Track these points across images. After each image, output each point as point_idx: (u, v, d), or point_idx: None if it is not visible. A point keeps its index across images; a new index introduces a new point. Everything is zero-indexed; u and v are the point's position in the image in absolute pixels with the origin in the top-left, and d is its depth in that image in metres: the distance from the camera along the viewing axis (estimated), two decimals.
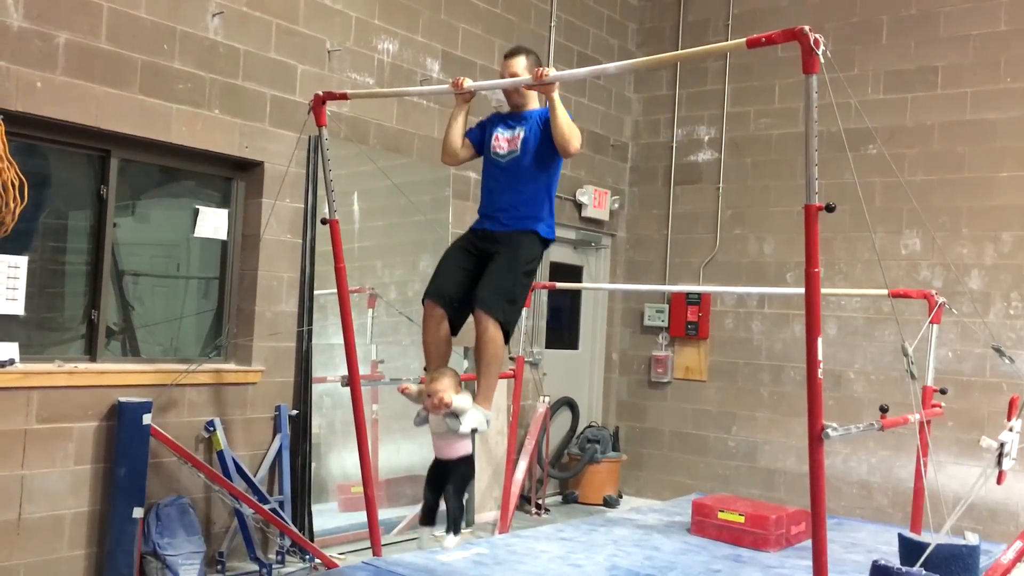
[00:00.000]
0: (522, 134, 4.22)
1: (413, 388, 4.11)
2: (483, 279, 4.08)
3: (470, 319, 4.15)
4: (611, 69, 4.64)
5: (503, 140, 4.26)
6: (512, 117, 4.32)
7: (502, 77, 4.33)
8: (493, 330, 3.95)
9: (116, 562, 5.01)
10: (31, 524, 4.84)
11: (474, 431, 3.96)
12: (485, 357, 4.01)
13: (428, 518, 4.07)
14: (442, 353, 4.17)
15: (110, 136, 5.21)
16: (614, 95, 9.17)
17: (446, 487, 3.98)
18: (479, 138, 4.40)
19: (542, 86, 4.20)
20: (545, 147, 4.20)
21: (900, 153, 7.68)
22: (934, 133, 7.68)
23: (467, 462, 4.04)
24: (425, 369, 4.23)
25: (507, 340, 4.04)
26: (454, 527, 3.96)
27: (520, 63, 4.25)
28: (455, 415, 3.87)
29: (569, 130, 4.10)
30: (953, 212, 7.54)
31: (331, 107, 5.55)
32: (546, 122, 4.21)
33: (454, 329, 4.22)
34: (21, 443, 4.80)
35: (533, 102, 4.34)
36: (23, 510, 4.81)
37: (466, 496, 4.14)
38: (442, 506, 4.09)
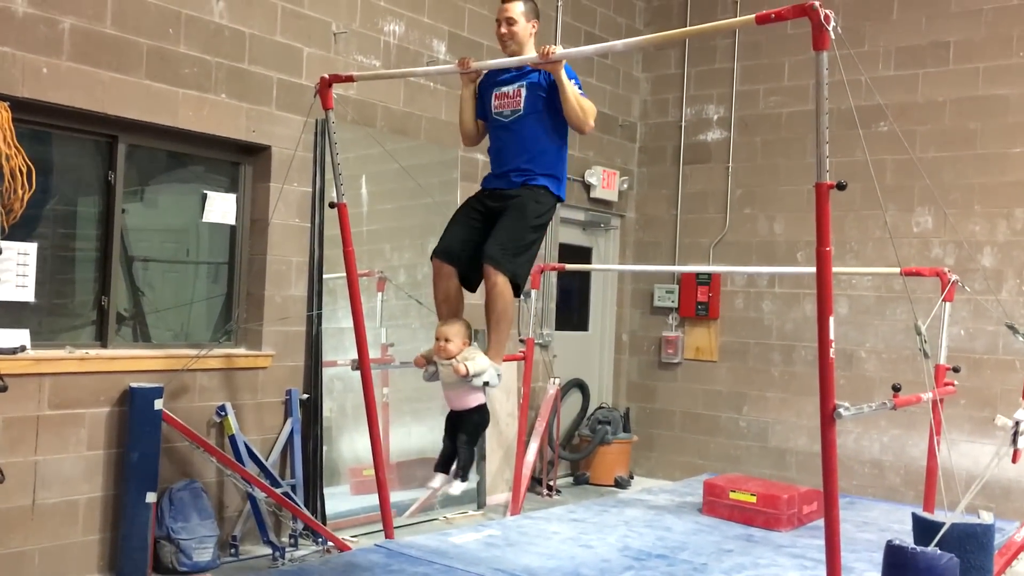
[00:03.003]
0: (523, 91, 4.14)
1: (427, 351, 4.09)
2: (492, 234, 4.05)
3: None
4: (619, 47, 4.60)
5: (504, 98, 4.18)
6: (508, 73, 4.22)
7: (498, 22, 4.22)
8: (502, 284, 3.93)
9: (130, 546, 5.04)
10: (45, 509, 4.87)
11: (486, 384, 3.94)
12: (495, 312, 3.98)
13: (443, 465, 4.11)
14: (453, 309, 4.15)
15: (117, 121, 5.20)
16: (622, 75, 9.11)
17: (460, 436, 4.02)
18: (482, 108, 4.36)
19: (548, 64, 4.17)
20: (552, 108, 4.13)
21: (911, 130, 7.61)
22: (946, 109, 7.60)
23: (480, 411, 4.06)
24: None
25: (517, 294, 4.01)
26: (463, 473, 4.00)
27: (517, 7, 4.15)
28: (459, 375, 3.88)
29: (582, 108, 4.07)
30: (965, 189, 7.48)
31: (338, 90, 5.52)
32: (552, 85, 4.14)
33: (469, 285, 4.19)
34: (34, 429, 4.82)
35: (528, 48, 4.22)
36: (37, 495, 4.84)
37: (476, 458, 4.15)
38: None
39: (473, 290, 4.23)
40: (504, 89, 4.21)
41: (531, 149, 4.13)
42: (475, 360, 3.91)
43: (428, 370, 4.08)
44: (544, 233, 4.27)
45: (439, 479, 4.09)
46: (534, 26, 4.20)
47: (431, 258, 4.22)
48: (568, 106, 4.06)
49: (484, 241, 4.07)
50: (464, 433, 4.01)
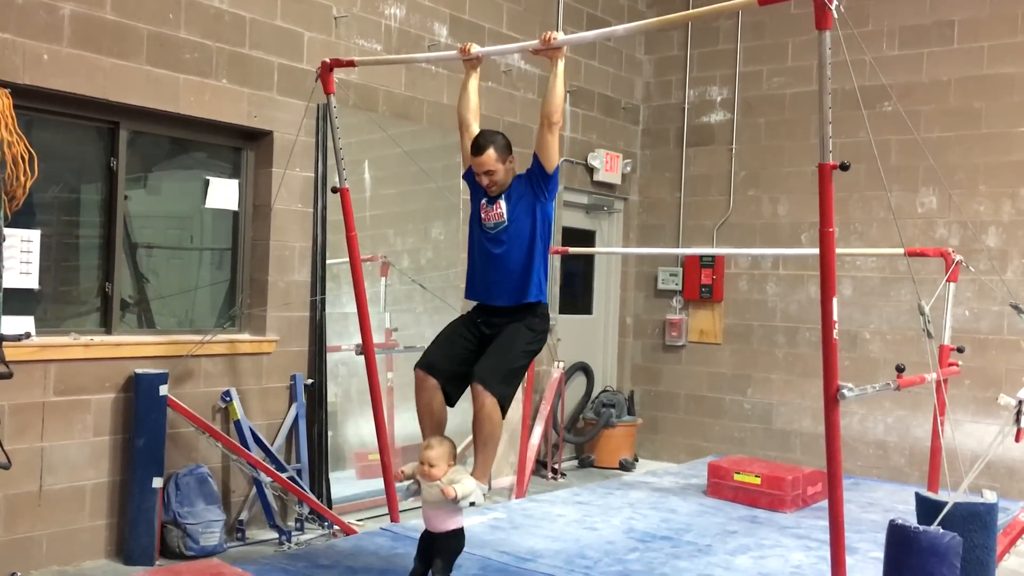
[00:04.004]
0: (503, 203, 4.19)
1: (408, 469, 4.03)
2: (484, 355, 4.09)
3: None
4: (620, 31, 4.56)
5: (489, 212, 4.23)
6: (491, 194, 4.26)
7: (477, 175, 4.21)
8: (490, 406, 3.94)
9: (137, 531, 5.07)
10: (52, 495, 4.90)
11: (472, 504, 3.93)
12: (482, 434, 3.99)
13: None
14: (437, 423, 4.14)
15: (118, 108, 5.19)
16: (624, 57, 9.06)
17: (435, 560, 3.93)
18: (474, 195, 4.35)
19: (549, 51, 4.15)
20: (527, 199, 4.18)
21: (916, 110, 7.57)
22: (950, 89, 7.56)
23: (458, 535, 4.00)
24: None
25: (503, 415, 4.03)
26: None
27: (491, 158, 4.14)
28: (455, 492, 3.82)
29: (559, 99, 4.09)
30: (970, 169, 7.44)
31: (339, 74, 5.49)
32: (528, 173, 4.19)
33: (450, 400, 4.20)
34: (40, 415, 4.84)
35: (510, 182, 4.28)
36: (44, 481, 4.86)
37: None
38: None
39: (452, 406, 4.22)
40: (488, 206, 4.25)
41: (514, 259, 4.17)
42: (463, 483, 3.87)
43: (410, 488, 4.02)
44: (534, 357, 4.32)
45: None
46: (511, 162, 4.23)
47: (415, 368, 4.20)
48: (550, 94, 4.09)
49: (470, 359, 4.10)
50: (440, 559, 3.93)
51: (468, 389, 4.12)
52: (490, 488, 4.06)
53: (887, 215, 7.71)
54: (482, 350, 4.16)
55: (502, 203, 4.19)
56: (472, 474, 4.01)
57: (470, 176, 4.33)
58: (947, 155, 7.47)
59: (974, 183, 7.43)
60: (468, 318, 4.36)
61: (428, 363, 4.18)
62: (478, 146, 4.16)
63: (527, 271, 4.16)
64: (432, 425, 4.13)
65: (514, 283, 4.16)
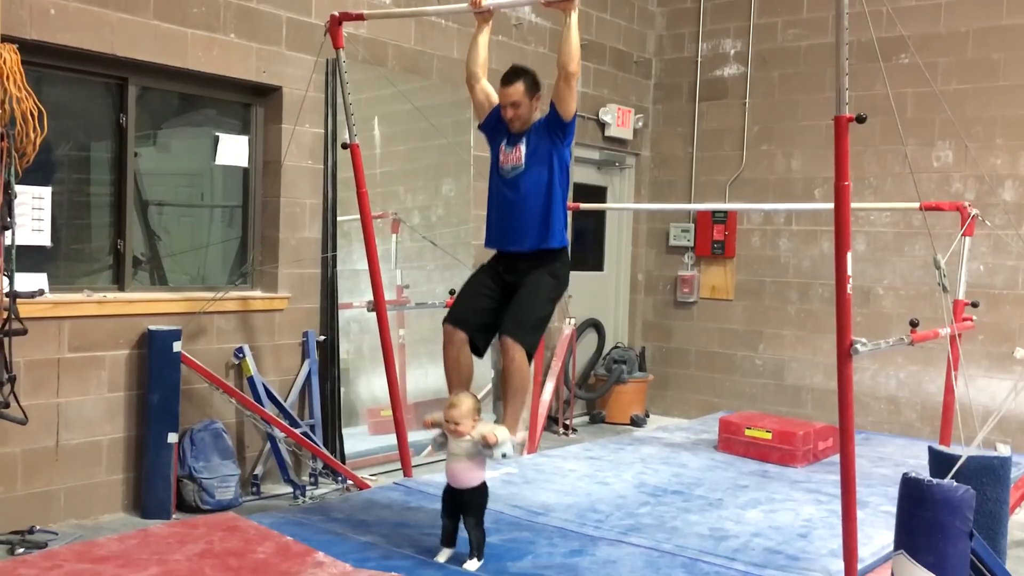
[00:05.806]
0: (523, 147, 4.17)
1: (438, 416, 4.01)
2: (510, 307, 4.12)
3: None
4: None
5: (508, 156, 4.20)
6: (510, 135, 4.22)
7: (503, 106, 4.17)
8: (519, 359, 4.00)
9: (153, 485, 5.13)
10: (69, 450, 4.95)
11: (504, 456, 3.95)
12: (512, 386, 4.06)
13: (449, 540, 4.02)
14: (464, 378, 4.19)
15: (127, 63, 5.15)
16: (636, 9, 8.93)
17: (466, 519, 3.95)
18: (495, 118, 4.31)
19: (561, 3, 4.09)
20: (544, 145, 4.14)
21: (933, 62, 7.44)
22: (968, 40, 7.43)
23: (483, 490, 4.00)
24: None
25: (529, 361, 4.08)
26: (478, 553, 3.92)
27: (518, 90, 4.11)
28: (487, 444, 3.83)
29: (575, 49, 4.04)
30: (987, 122, 7.34)
31: (348, 28, 5.43)
32: (546, 120, 4.16)
33: (478, 351, 4.24)
34: (55, 372, 4.88)
35: (534, 119, 4.24)
36: (60, 437, 4.92)
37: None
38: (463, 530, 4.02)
39: (480, 356, 4.27)
40: (507, 149, 4.22)
41: (532, 205, 4.15)
42: (498, 430, 3.88)
43: (437, 440, 4.04)
44: (558, 302, 4.35)
45: (446, 553, 4.00)
46: (537, 99, 4.21)
47: (443, 323, 4.23)
48: (565, 44, 4.04)
49: (496, 309, 4.17)
50: (470, 515, 3.94)
51: (495, 338, 4.17)
52: (520, 444, 4.09)
53: (902, 169, 7.62)
54: (506, 298, 4.19)
55: (522, 146, 4.17)
56: (502, 424, 4.04)
57: (488, 125, 4.32)
58: (964, 108, 7.36)
59: (991, 136, 7.33)
60: (490, 268, 4.36)
61: (455, 317, 4.22)
62: (508, 77, 4.15)
63: (546, 216, 4.16)
64: (459, 380, 4.18)
65: (533, 228, 4.16)
